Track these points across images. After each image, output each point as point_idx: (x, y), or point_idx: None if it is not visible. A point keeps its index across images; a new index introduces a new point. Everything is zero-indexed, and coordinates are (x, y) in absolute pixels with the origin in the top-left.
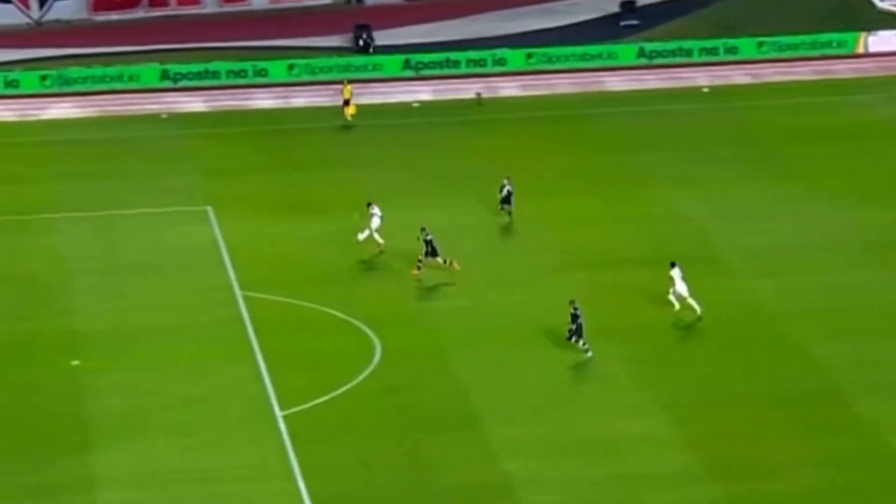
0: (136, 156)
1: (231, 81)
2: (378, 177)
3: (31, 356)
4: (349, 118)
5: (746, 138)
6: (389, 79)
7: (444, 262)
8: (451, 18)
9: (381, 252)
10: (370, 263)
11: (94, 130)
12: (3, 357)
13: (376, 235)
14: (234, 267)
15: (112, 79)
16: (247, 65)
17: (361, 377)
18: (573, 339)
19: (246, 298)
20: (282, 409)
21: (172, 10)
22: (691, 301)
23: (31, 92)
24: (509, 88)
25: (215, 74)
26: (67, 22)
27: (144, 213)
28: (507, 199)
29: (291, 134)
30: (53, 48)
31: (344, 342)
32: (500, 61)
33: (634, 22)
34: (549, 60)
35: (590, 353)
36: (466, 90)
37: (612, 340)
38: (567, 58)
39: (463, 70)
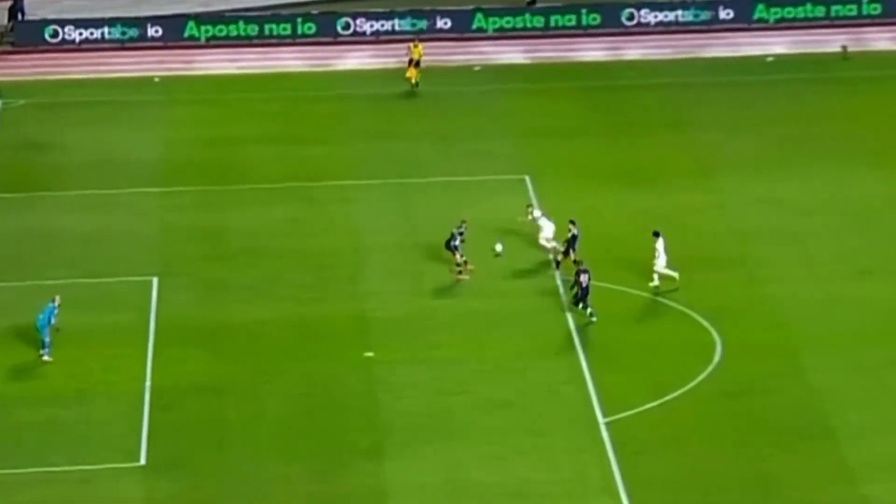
0: (442, 114)
1: (556, 30)
2: (721, 143)
3: (321, 345)
4: (413, 81)
5: None
6: (737, 28)
7: (460, 263)
8: None
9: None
10: (710, 246)
11: (395, 84)
12: (293, 345)
13: (547, 244)
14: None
15: (416, 24)
16: (574, 11)
17: (698, 379)
18: (579, 304)
19: (567, 284)
20: (605, 414)
21: None
22: (667, 271)
23: (327, 39)
24: (883, 41)
25: (538, 22)
26: None
27: (450, 182)
28: (571, 244)
29: (623, 91)
30: None
31: (679, 337)
32: (873, 9)
33: None
34: None
35: (594, 318)
36: (830, 43)
37: None
38: None
39: (827, 19)
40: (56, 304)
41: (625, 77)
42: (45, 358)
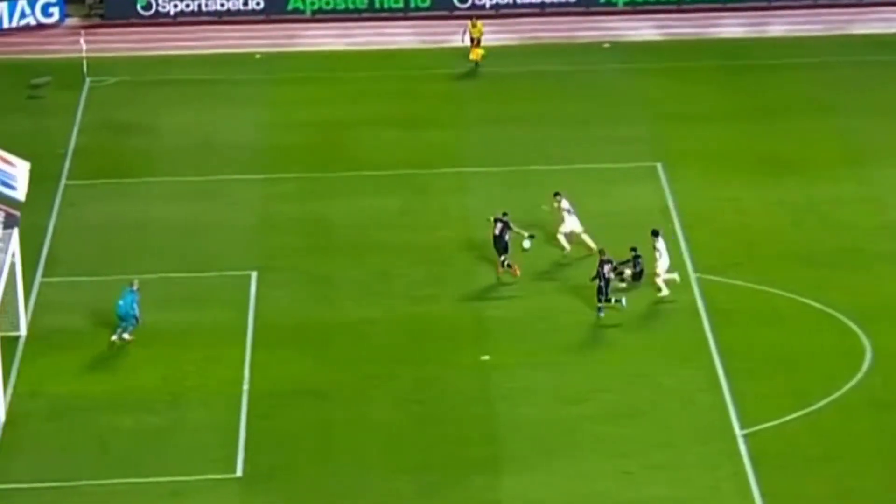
0: (567, 96)
1: (693, 4)
2: (874, 129)
3: (433, 347)
4: (476, 61)
5: None
6: (893, 2)
7: (503, 264)
8: None
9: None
10: (861, 242)
11: (516, 62)
12: (403, 347)
13: (563, 239)
14: (689, 241)
15: None
16: None
17: (846, 387)
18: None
19: (702, 282)
20: (742, 426)
21: None
22: (662, 281)
23: (442, 13)
24: None
25: None
26: None
27: (575, 169)
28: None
29: (766, 71)
30: None
31: (824, 341)
32: None
33: None
34: None
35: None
36: None
37: None
38: None
39: None
40: (135, 287)
41: (768, 56)
42: (126, 336)
